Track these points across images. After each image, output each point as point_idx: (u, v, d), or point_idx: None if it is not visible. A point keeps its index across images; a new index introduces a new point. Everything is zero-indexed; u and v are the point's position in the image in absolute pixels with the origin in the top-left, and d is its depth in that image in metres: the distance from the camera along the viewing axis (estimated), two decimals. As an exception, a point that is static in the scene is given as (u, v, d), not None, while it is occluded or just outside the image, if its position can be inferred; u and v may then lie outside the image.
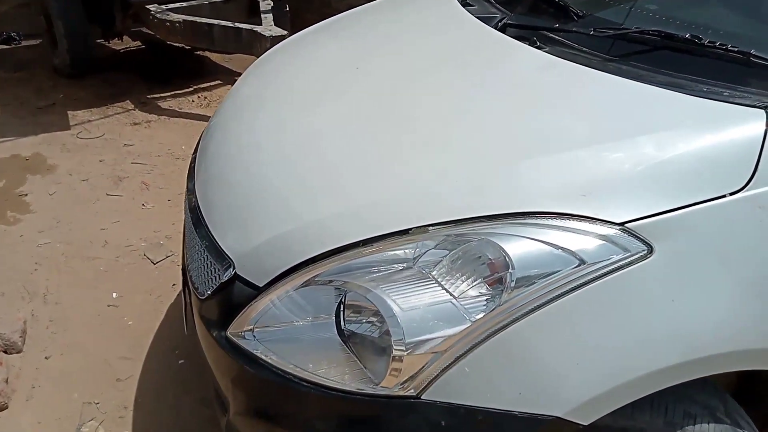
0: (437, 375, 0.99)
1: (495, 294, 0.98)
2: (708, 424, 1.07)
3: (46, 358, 1.99)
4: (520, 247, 0.98)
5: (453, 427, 1.00)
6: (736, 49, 1.16)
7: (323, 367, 1.07)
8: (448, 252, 1.02)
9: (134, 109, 3.84)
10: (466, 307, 0.98)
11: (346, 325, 1.05)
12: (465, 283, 1.00)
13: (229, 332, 1.16)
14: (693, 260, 0.97)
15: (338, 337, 1.05)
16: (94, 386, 1.89)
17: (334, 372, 1.06)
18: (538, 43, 1.40)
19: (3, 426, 1.75)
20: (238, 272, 1.17)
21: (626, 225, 0.97)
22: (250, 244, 1.16)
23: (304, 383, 1.06)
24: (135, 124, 3.66)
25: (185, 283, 1.44)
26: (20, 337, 2.00)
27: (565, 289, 0.96)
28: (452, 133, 1.21)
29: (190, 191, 1.45)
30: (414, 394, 1.00)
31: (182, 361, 1.99)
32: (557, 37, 1.42)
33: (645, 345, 0.96)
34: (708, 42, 1.20)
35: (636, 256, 0.96)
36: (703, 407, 1.08)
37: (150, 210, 2.80)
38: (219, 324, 1.19)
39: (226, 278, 1.18)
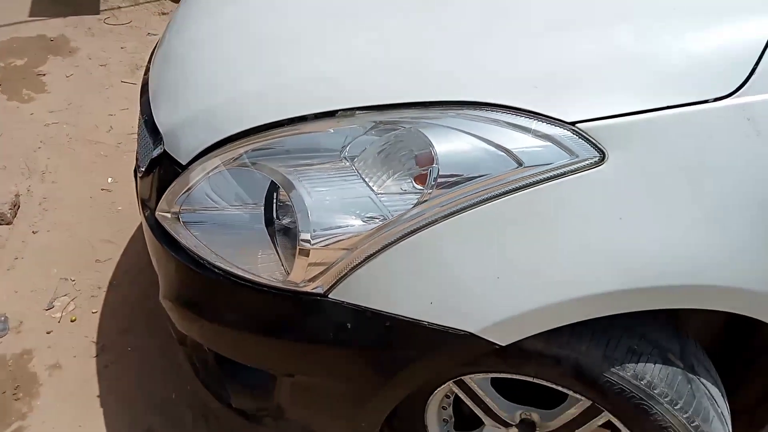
0: (346, 273, 0.90)
1: (418, 191, 0.86)
2: (654, 364, 0.95)
3: (33, 232, 2.01)
4: (451, 140, 0.86)
5: (359, 330, 0.92)
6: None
7: (243, 255, 0.99)
8: (374, 141, 0.90)
9: None
10: (384, 203, 0.88)
11: (278, 219, 0.97)
12: (388, 178, 0.89)
13: (157, 212, 1.10)
14: (652, 174, 0.82)
15: (265, 228, 0.97)
16: (74, 265, 1.91)
17: (251, 262, 0.98)
18: None
19: (-20, 291, 1.80)
20: (166, 149, 1.09)
21: (578, 125, 0.82)
22: (178, 119, 1.08)
23: (217, 270, 1.00)
24: (164, 14, 3.56)
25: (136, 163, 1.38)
26: (10, 209, 2.02)
27: (494, 193, 0.83)
28: (392, 11, 1.05)
29: (146, 70, 1.36)
30: (321, 291, 0.92)
31: (163, 249, 1.98)
32: None
33: (579, 266, 0.83)
34: None
35: (584, 163, 0.82)
36: (653, 346, 0.96)
37: (161, 101, 2.75)
38: (150, 203, 1.13)
39: (156, 154, 1.10)
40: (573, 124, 0.82)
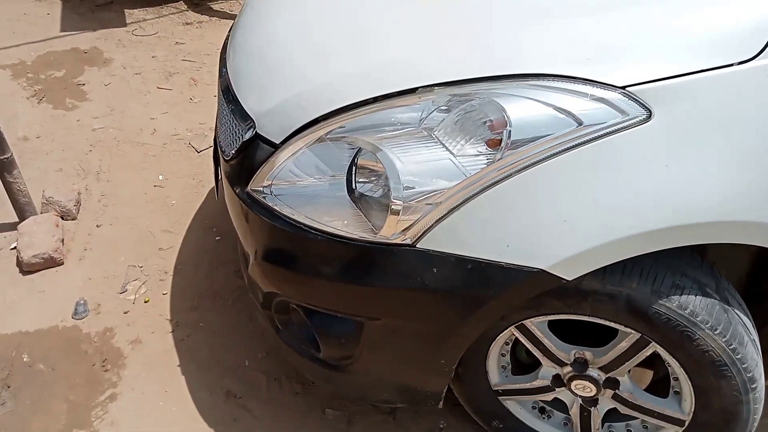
0: (431, 225, 1.05)
1: (491, 152, 1.02)
2: (695, 296, 1.10)
3: (97, 226, 2.17)
4: (520, 107, 1.01)
5: (444, 274, 1.07)
6: None
7: (332, 218, 1.15)
8: (451, 112, 1.06)
9: (187, 10, 3.89)
10: (463, 163, 1.03)
11: (357, 185, 1.12)
12: (466, 142, 1.04)
13: (250, 188, 1.25)
14: (691, 127, 0.97)
15: (347, 195, 1.12)
16: (139, 253, 2.06)
17: (341, 224, 1.14)
18: None
19: (59, 279, 1.95)
20: (258, 131, 1.24)
21: (627, 89, 0.98)
22: (269, 104, 1.23)
23: (313, 231, 1.15)
24: (187, 24, 3.73)
25: (215, 152, 1.53)
26: (74, 206, 2.17)
27: (559, 149, 0.99)
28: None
29: (222, 64, 1.51)
30: (410, 242, 1.07)
31: (219, 237, 2.14)
32: None
33: (633, 207, 0.98)
34: None
35: (634, 120, 0.97)
36: (693, 281, 1.11)
37: (197, 104, 2.91)
38: (241, 181, 1.28)
39: (248, 137, 1.26)
40: (623, 87, 0.98)
